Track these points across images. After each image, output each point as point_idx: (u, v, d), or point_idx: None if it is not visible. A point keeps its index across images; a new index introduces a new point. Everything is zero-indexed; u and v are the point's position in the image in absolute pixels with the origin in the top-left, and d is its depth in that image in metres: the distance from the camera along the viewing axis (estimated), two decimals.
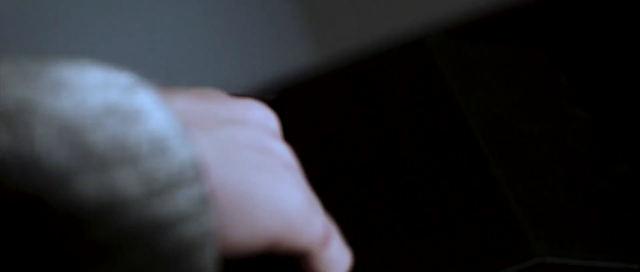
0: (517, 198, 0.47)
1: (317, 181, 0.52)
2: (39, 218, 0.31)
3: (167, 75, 1.58)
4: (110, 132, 0.33)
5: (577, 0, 1.55)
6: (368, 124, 0.54)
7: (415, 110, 0.53)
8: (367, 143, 0.53)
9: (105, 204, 0.32)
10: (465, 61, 0.56)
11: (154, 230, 0.33)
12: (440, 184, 0.49)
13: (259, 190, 0.38)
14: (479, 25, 1.62)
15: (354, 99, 0.56)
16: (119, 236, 0.32)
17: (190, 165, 0.34)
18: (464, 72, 0.55)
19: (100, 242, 0.32)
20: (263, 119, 0.41)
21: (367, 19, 1.70)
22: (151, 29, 1.56)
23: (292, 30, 1.70)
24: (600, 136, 0.54)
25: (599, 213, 0.48)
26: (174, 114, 0.36)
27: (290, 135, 0.55)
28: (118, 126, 0.33)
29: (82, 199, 0.32)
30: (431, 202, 0.48)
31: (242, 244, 0.37)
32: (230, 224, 0.37)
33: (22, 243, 0.31)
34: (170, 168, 0.33)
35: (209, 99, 0.40)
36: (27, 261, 0.32)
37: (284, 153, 0.40)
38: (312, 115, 0.56)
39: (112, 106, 0.33)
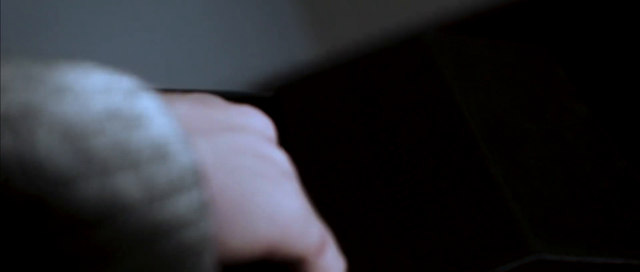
0: (515, 195, 0.47)
1: (315, 178, 0.52)
2: (41, 222, 0.31)
3: (167, 72, 1.58)
4: (113, 137, 0.33)
5: None
6: (366, 120, 0.54)
7: (414, 107, 0.53)
8: (365, 140, 0.53)
9: (107, 208, 0.32)
10: (464, 57, 0.56)
11: (154, 235, 0.33)
12: (438, 180, 0.49)
13: (257, 197, 0.38)
14: (477, 21, 1.62)
15: (352, 95, 0.56)
16: (119, 241, 0.32)
17: (191, 171, 0.34)
18: (462, 68, 0.55)
19: (101, 247, 0.32)
20: (260, 126, 0.41)
21: (366, 16, 1.70)
22: (151, 26, 1.56)
23: (291, 27, 1.70)
24: (600, 131, 0.54)
25: (598, 209, 0.48)
26: (175, 119, 0.36)
27: (288, 131, 0.55)
28: (120, 131, 0.33)
29: (83, 204, 0.32)
30: (429, 199, 0.48)
31: (239, 249, 0.38)
32: (229, 230, 0.37)
33: (24, 247, 0.31)
34: (171, 173, 0.34)
35: (208, 105, 0.40)
36: (28, 265, 0.32)
37: (282, 160, 0.41)
38: (310, 111, 0.56)
39: (114, 111, 0.33)
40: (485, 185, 0.48)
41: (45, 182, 0.31)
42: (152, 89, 0.42)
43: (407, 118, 0.53)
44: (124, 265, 0.33)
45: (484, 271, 0.45)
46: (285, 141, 0.55)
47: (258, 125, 0.41)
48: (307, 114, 0.55)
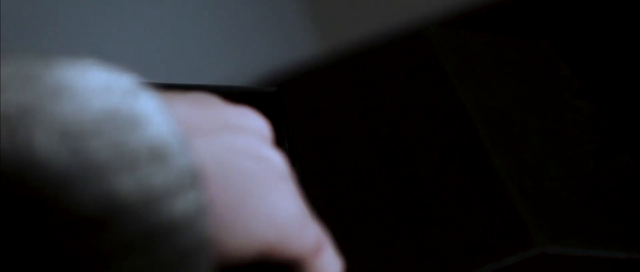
0: (518, 189, 0.47)
1: (318, 173, 0.52)
2: (39, 223, 0.31)
3: (170, 68, 1.58)
4: (110, 138, 0.33)
5: None
6: (369, 115, 0.54)
7: (416, 102, 0.53)
8: (368, 135, 0.53)
9: (104, 210, 0.32)
10: (466, 53, 0.56)
11: (151, 237, 0.33)
12: (442, 175, 0.49)
13: (253, 199, 0.38)
14: (480, 17, 1.62)
15: (354, 90, 0.56)
16: (117, 243, 0.32)
17: (189, 173, 0.34)
18: (464, 63, 0.55)
19: (99, 249, 0.32)
20: (257, 126, 0.41)
21: (368, 12, 1.69)
22: (154, 22, 1.56)
23: (294, 23, 1.70)
24: (602, 126, 0.54)
25: (601, 203, 0.48)
26: (173, 120, 0.36)
27: (291, 127, 0.55)
28: (118, 132, 0.33)
29: (81, 206, 0.32)
30: (432, 193, 0.48)
31: (235, 251, 0.38)
32: (225, 232, 0.37)
33: (22, 248, 0.31)
34: (168, 175, 0.33)
35: (206, 104, 0.40)
36: (26, 266, 0.32)
37: (278, 161, 0.41)
38: (312, 107, 0.56)
39: (112, 111, 0.33)
40: (488, 179, 0.48)
41: (43, 183, 0.31)
42: (152, 87, 0.41)
43: (409, 113, 0.53)
44: (122, 266, 0.32)
45: (488, 264, 0.45)
46: (288, 136, 0.55)
47: (255, 125, 0.41)
48: (310, 109, 0.55)
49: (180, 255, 0.34)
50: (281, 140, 0.55)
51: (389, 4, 1.68)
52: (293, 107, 0.56)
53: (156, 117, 0.34)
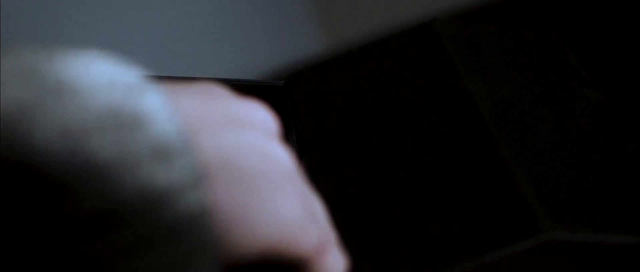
0: (526, 176, 0.47)
1: (327, 165, 0.52)
2: (39, 227, 0.31)
3: (177, 62, 1.58)
4: (112, 137, 0.32)
5: None
6: (377, 106, 0.54)
7: (424, 93, 0.53)
8: (376, 126, 0.53)
9: (106, 211, 0.31)
10: (474, 44, 0.56)
11: (154, 238, 0.32)
12: (450, 165, 0.49)
13: (257, 199, 0.37)
14: (488, 9, 1.62)
15: (362, 81, 0.56)
16: (118, 245, 0.32)
17: (192, 172, 0.34)
18: (472, 54, 0.55)
19: (101, 250, 0.32)
20: (265, 121, 0.40)
21: (375, 8, 1.69)
22: (161, 15, 1.57)
23: (301, 18, 1.70)
24: (611, 115, 0.54)
25: (609, 191, 0.48)
26: (178, 117, 0.35)
27: (298, 119, 0.55)
28: (120, 131, 0.32)
29: (81, 207, 0.31)
30: (440, 182, 0.48)
31: (238, 251, 0.37)
32: (228, 232, 0.37)
33: (23, 253, 0.31)
34: (171, 175, 0.33)
35: (213, 98, 0.39)
36: (28, 268, 0.31)
37: (285, 158, 0.40)
38: (320, 99, 0.56)
39: (115, 109, 0.32)
40: (495, 167, 0.48)
41: (43, 184, 0.31)
42: (157, 80, 0.41)
43: (417, 104, 0.53)
44: (124, 268, 0.32)
45: (496, 251, 0.45)
46: (295, 128, 0.55)
47: (262, 119, 0.40)
48: (318, 101, 0.56)
49: (184, 256, 0.33)
50: (289, 133, 0.55)
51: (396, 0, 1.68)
52: (300, 99, 0.56)
53: (160, 115, 0.33)
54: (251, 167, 0.38)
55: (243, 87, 0.56)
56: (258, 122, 0.40)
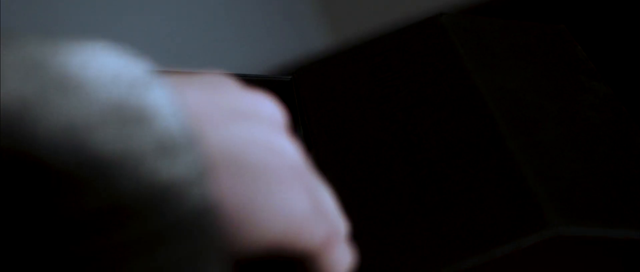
0: (534, 170, 0.47)
1: (334, 159, 0.52)
2: (42, 225, 0.31)
3: (183, 57, 1.58)
4: (116, 132, 0.32)
5: None
6: (384, 101, 0.54)
7: (431, 87, 0.53)
8: (383, 121, 0.53)
9: (108, 208, 0.31)
10: (480, 37, 0.56)
11: (158, 235, 0.32)
12: (457, 158, 0.49)
13: (263, 194, 0.37)
14: (494, 1, 1.62)
15: (369, 76, 0.56)
16: (122, 242, 0.32)
17: (197, 168, 0.33)
18: (479, 48, 0.55)
19: (105, 248, 0.31)
20: (272, 113, 0.40)
21: (381, 2, 1.69)
22: (167, 12, 1.56)
23: (307, 13, 1.70)
24: (619, 108, 0.54)
25: (617, 185, 0.48)
26: (184, 111, 0.35)
27: (305, 114, 0.55)
28: (124, 126, 0.32)
29: (85, 203, 0.31)
30: (448, 176, 0.48)
31: (243, 246, 0.37)
32: (233, 227, 0.37)
33: (26, 251, 0.31)
34: (175, 171, 0.33)
35: (220, 89, 0.39)
36: (32, 265, 0.31)
37: (292, 152, 0.39)
38: (328, 94, 0.55)
39: (119, 104, 0.32)
40: (503, 161, 0.48)
41: (46, 181, 0.30)
42: (162, 73, 0.40)
43: (424, 98, 0.53)
44: (128, 266, 0.32)
45: (503, 246, 0.45)
46: (303, 123, 0.55)
47: (270, 112, 0.40)
48: (325, 96, 0.55)
49: (190, 251, 0.33)
50: (296, 127, 0.55)
51: None
52: (308, 94, 0.56)
53: (165, 109, 0.33)
54: (257, 161, 0.37)
55: (250, 82, 0.56)
56: (265, 115, 0.40)
